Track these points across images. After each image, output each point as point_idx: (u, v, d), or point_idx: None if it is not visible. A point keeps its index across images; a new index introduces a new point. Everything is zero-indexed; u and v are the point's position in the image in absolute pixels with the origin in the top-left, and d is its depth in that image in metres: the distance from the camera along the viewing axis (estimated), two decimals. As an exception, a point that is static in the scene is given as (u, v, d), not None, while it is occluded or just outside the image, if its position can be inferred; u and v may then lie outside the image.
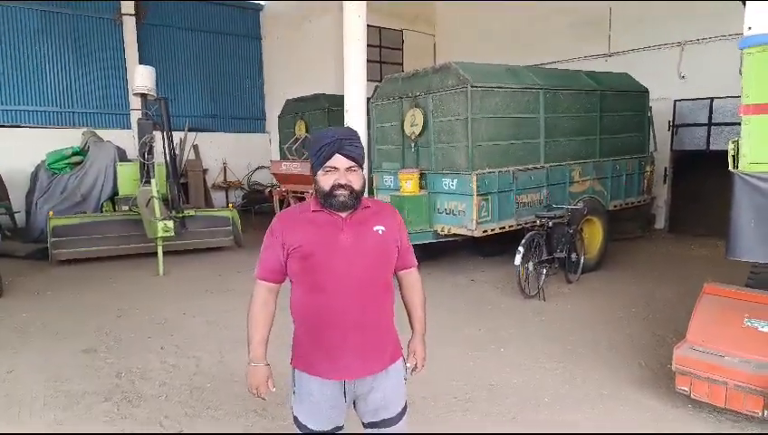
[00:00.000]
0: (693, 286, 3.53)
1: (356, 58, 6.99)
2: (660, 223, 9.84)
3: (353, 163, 1.83)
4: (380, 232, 1.89)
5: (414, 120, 6.72)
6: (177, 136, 11.02)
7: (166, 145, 7.95)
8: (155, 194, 7.20)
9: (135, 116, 10.87)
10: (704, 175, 8.50)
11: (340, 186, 1.80)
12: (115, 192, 9.35)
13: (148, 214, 7.27)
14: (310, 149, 1.89)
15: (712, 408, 3.26)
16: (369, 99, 7.42)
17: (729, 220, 2.95)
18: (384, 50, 13.44)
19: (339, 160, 1.81)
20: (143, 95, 7.79)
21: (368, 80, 7.28)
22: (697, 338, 3.26)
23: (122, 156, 9.99)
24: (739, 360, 3.05)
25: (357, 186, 1.83)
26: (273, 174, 9.92)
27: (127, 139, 11.61)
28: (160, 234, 6.97)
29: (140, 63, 10.20)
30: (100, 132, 11.29)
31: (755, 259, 3.01)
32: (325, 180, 1.82)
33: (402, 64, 13.58)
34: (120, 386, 3.85)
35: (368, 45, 7.28)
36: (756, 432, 2.90)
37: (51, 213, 8.06)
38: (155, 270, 7.28)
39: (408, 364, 2.08)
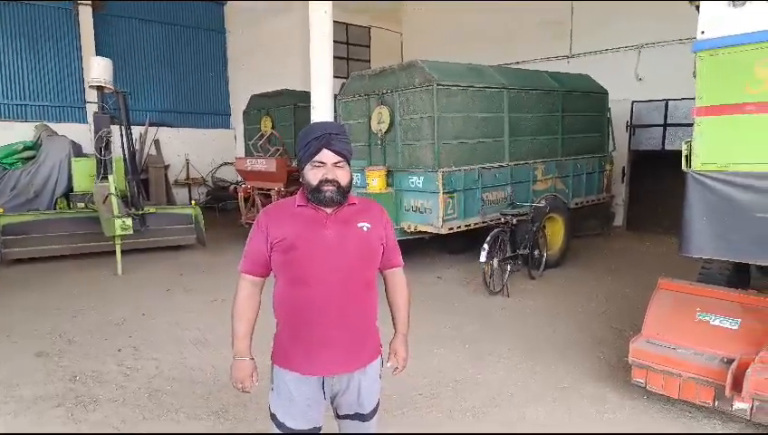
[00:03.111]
0: (649, 282, 3.65)
1: (322, 54, 6.91)
2: (619, 220, 10.15)
3: (341, 159, 1.84)
4: (365, 229, 1.90)
5: (381, 118, 6.72)
6: (137, 131, 10.72)
7: (124, 140, 7.69)
8: (113, 190, 6.95)
9: (91, 109, 10.47)
10: (660, 174, 8.83)
11: (327, 181, 1.81)
12: (70, 188, 8.99)
13: (106, 211, 7.01)
14: (298, 143, 1.91)
15: (666, 399, 3.38)
16: (336, 96, 7.36)
17: (682, 218, 3.06)
18: (351, 47, 13.38)
19: (326, 155, 1.82)
20: (99, 88, 7.50)
21: (335, 76, 7.22)
22: (652, 331, 3.37)
23: (78, 151, 9.62)
24: (692, 352, 3.17)
25: (344, 181, 1.85)
26: (238, 171, 9.73)
27: (83, 133, 11.17)
28: (118, 232, 6.74)
29: (97, 55, 9.83)
30: (55, 126, 10.85)
31: (706, 255, 3.13)
32: (312, 175, 1.83)
33: (369, 61, 13.56)
34: (75, 390, 3.70)
35: (335, 42, 7.22)
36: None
37: (1, 210, 7.68)
38: (113, 269, 7.04)
39: (388, 364, 2.09)
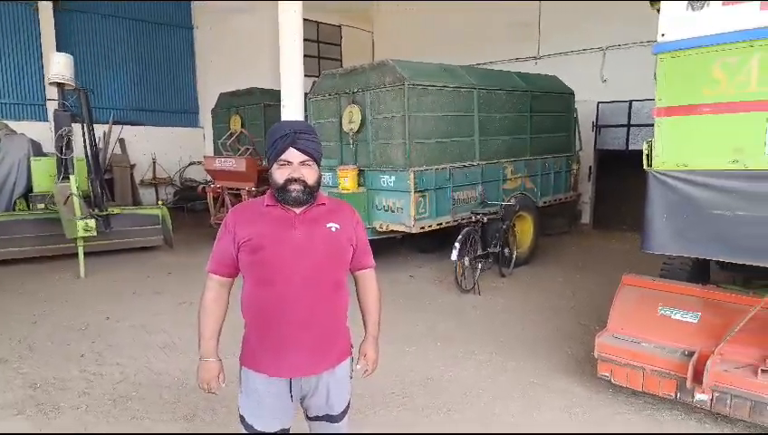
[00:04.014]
0: (614, 278, 3.74)
1: (292, 52, 6.84)
2: (586, 218, 10.40)
3: (307, 157, 1.83)
4: (334, 229, 1.88)
5: (352, 117, 6.69)
6: (100, 129, 10.39)
7: (86, 138, 7.45)
8: (74, 191, 6.72)
9: (52, 107, 10.09)
10: (624, 173, 9.05)
11: (294, 180, 1.80)
12: (29, 189, 8.65)
13: (67, 212, 6.78)
14: (266, 142, 1.89)
15: (630, 392, 3.47)
16: (306, 94, 7.30)
17: (644, 216, 3.15)
18: (322, 45, 13.29)
19: (292, 154, 1.80)
20: (60, 84, 7.24)
21: (305, 75, 7.16)
22: (617, 326, 3.46)
23: (38, 150, 9.25)
24: (654, 346, 3.26)
25: (311, 181, 1.83)
26: (207, 170, 9.54)
27: (43, 131, 10.75)
28: (81, 234, 6.53)
29: (58, 51, 9.48)
30: (13, 124, 10.38)
31: (667, 252, 3.23)
32: (279, 174, 1.82)
33: (341, 60, 13.50)
34: (35, 398, 3.56)
35: (305, 40, 7.16)
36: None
37: (-45, 212, 7.34)
38: (75, 272, 6.82)
39: (357, 366, 2.08)
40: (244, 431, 1.93)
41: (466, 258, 5.93)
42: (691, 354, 3.06)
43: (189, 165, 14.01)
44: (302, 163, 1.81)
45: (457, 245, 5.75)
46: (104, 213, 7.51)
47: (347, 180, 6.47)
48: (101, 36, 12.96)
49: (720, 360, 2.97)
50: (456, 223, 6.58)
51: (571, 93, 8.60)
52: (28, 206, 8.54)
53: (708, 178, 2.91)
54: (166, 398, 3.56)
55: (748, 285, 3.78)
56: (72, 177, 6.89)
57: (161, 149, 13.53)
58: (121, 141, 12.42)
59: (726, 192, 2.85)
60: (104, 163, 10.91)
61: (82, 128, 7.49)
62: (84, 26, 12.64)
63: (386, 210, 6.43)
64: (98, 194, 7.58)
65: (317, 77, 8.00)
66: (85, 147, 7.53)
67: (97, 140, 7.97)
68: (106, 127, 10.20)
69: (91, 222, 6.64)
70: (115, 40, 13.18)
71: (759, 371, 2.86)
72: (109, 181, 10.44)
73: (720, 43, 2.81)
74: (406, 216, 6.18)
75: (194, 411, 3.36)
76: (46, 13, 11.63)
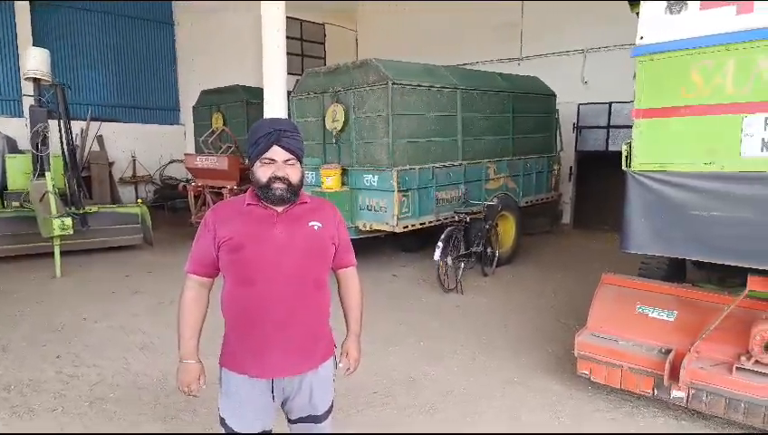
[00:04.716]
0: (594, 277, 3.79)
1: (275, 50, 6.78)
2: (566, 218, 10.52)
3: (291, 156, 1.81)
4: (316, 228, 1.87)
5: (335, 116, 6.66)
6: (78, 126, 10.19)
7: (63, 135, 7.29)
8: (50, 188, 6.57)
9: (28, 103, 9.85)
10: (604, 174, 9.15)
11: (277, 178, 1.78)
12: (4, 186, 8.44)
13: (43, 210, 6.63)
14: (248, 139, 1.87)
15: (609, 389, 3.53)
16: (289, 93, 7.25)
17: (623, 216, 3.19)
18: (306, 43, 13.21)
19: (277, 152, 1.79)
20: (36, 80, 7.07)
21: (289, 73, 7.11)
22: (596, 325, 3.50)
23: (13, 147, 9.05)
24: (632, 344, 3.32)
25: (294, 179, 1.82)
26: (188, 168, 9.42)
27: (18, 128, 10.49)
28: (57, 232, 6.40)
29: (35, 45, 9.26)
30: (-13, 120, 10.14)
31: (645, 251, 3.28)
32: (262, 172, 1.80)
33: (324, 58, 13.43)
34: (9, 400, 3.48)
35: (289, 38, 7.12)
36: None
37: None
38: (51, 272, 6.67)
39: (340, 365, 2.07)
40: (225, 433, 1.91)
41: (449, 258, 5.95)
42: (668, 352, 3.12)
43: (170, 163, 13.81)
44: (286, 162, 1.80)
45: (440, 244, 5.77)
46: (81, 211, 7.37)
47: (330, 179, 6.44)
48: (79, 31, 12.69)
49: (696, 357, 3.03)
50: (439, 222, 6.60)
51: (553, 95, 8.70)
52: (3, 204, 8.33)
53: (685, 179, 2.96)
54: (144, 399, 3.50)
55: (723, 284, 3.86)
56: (47, 174, 6.75)
57: (141, 146, 13.31)
58: (100, 138, 12.19)
59: (702, 193, 2.91)
60: (81, 160, 10.71)
61: (59, 124, 7.34)
62: (61, 20, 12.34)
63: (369, 210, 6.42)
64: (74, 192, 7.44)
65: (300, 75, 7.95)
66: (62, 143, 7.37)
67: (74, 137, 7.82)
68: (84, 124, 10.00)
69: (68, 220, 6.53)
70: (94, 35, 12.91)
71: (734, 368, 2.92)
72: (86, 179, 10.26)
73: (697, 46, 2.86)
74: (389, 215, 6.18)
75: (173, 413, 3.31)
76: (22, 6, 11.35)
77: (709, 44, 2.83)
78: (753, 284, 2.96)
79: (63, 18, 12.36)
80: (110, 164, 12.20)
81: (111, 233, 7.99)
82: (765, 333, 2.80)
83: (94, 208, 7.88)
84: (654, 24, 3.01)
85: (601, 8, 8.98)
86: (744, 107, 2.77)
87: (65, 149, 7.43)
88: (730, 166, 2.84)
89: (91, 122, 12.16)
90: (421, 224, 6.47)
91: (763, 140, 2.73)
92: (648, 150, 3.09)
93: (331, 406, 2.04)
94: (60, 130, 7.30)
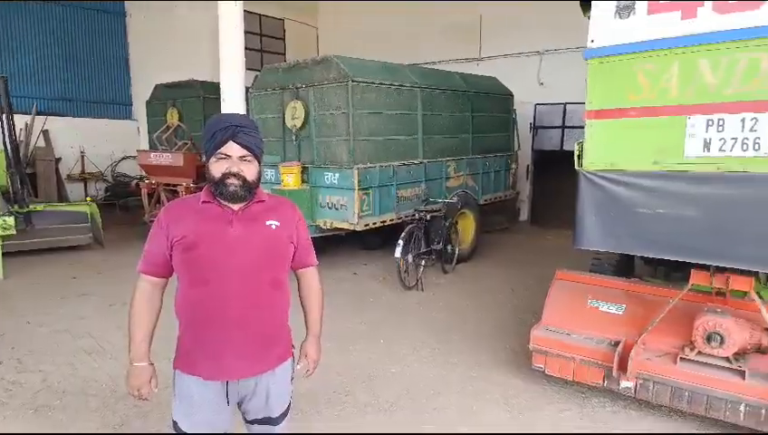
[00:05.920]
0: (550, 273, 3.89)
1: (233, 44, 6.63)
2: (524, 216, 10.79)
3: (247, 153, 1.77)
4: (273, 227, 1.84)
5: (295, 113, 6.57)
6: (22, 120, 9.68)
7: (5, 129, 6.90)
8: (-9, 186, 6.23)
9: (-35, 94, 9.26)
10: (559, 172, 9.41)
11: (232, 174, 1.74)
12: (-61, 184, 7.93)
13: (-17, 209, 6.28)
14: (204, 134, 1.81)
15: (564, 382, 3.63)
16: (248, 88, 7.11)
17: (575, 213, 3.29)
18: (265, 39, 12.98)
19: (232, 148, 1.75)
20: (-26, 71, 6.67)
21: (248, 68, 6.96)
22: (550, 319, 3.60)
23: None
24: (583, 337, 3.43)
25: (250, 176, 1.78)
26: (141, 165, 9.11)
27: (-45, 121, 9.87)
28: (-2, 232, 6.06)
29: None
30: None
31: (597, 248, 3.40)
32: (216, 168, 1.76)
33: (285, 55, 13.24)
34: (-58, 412, 3.27)
35: (247, 32, 6.97)
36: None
37: None
38: (-8, 274, 6.32)
39: (298, 366, 2.04)
40: (176, 433, 1.86)
41: (410, 255, 5.99)
42: (617, 344, 3.24)
43: (122, 159, 13.30)
44: (242, 158, 1.76)
45: (401, 242, 5.79)
46: (25, 210, 7.00)
47: (290, 177, 6.36)
48: (22, 20, 12.03)
49: (643, 349, 3.16)
50: (400, 220, 6.63)
51: (511, 95, 8.88)
52: (-63, 202, 7.82)
53: (632, 178, 3.08)
54: (93, 406, 3.36)
55: (668, 279, 4.05)
56: (-13, 170, 6.39)
57: (91, 141, 12.73)
58: (45, 133, 11.63)
59: (648, 191, 3.03)
60: (26, 156, 10.18)
61: (0, 118, 6.94)
62: (1, 7, 11.67)
63: (330, 208, 6.38)
64: (18, 189, 7.07)
65: (259, 71, 7.80)
66: (3, 138, 6.99)
67: (17, 132, 7.42)
68: (29, 118, 9.51)
69: (10, 219, 6.25)
70: (38, 24, 12.27)
71: (678, 359, 3.07)
72: (31, 176, 9.77)
73: (643, 50, 2.98)
74: (350, 213, 6.16)
75: (123, 420, 3.19)
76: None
77: (655, 48, 2.95)
78: (696, 278, 3.12)
79: (3, 6, 11.67)
80: (57, 160, 11.65)
81: (58, 232, 7.62)
82: (707, 324, 2.95)
83: (39, 207, 7.49)
84: (604, 28, 3.11)
85: (556, 11, 9.23)
86: (687, 109, 2.90)
87: (7, 145, 7.05)
88: (675, 165, 2.97)
89: (36, 116, 11.60)
90: (382, 222, 6.47)
91: (704, 140, 2.88)
92: (598, 150, 3.20)
93: (288, 408, 2.01)
94: (1, 125, 6.91)
